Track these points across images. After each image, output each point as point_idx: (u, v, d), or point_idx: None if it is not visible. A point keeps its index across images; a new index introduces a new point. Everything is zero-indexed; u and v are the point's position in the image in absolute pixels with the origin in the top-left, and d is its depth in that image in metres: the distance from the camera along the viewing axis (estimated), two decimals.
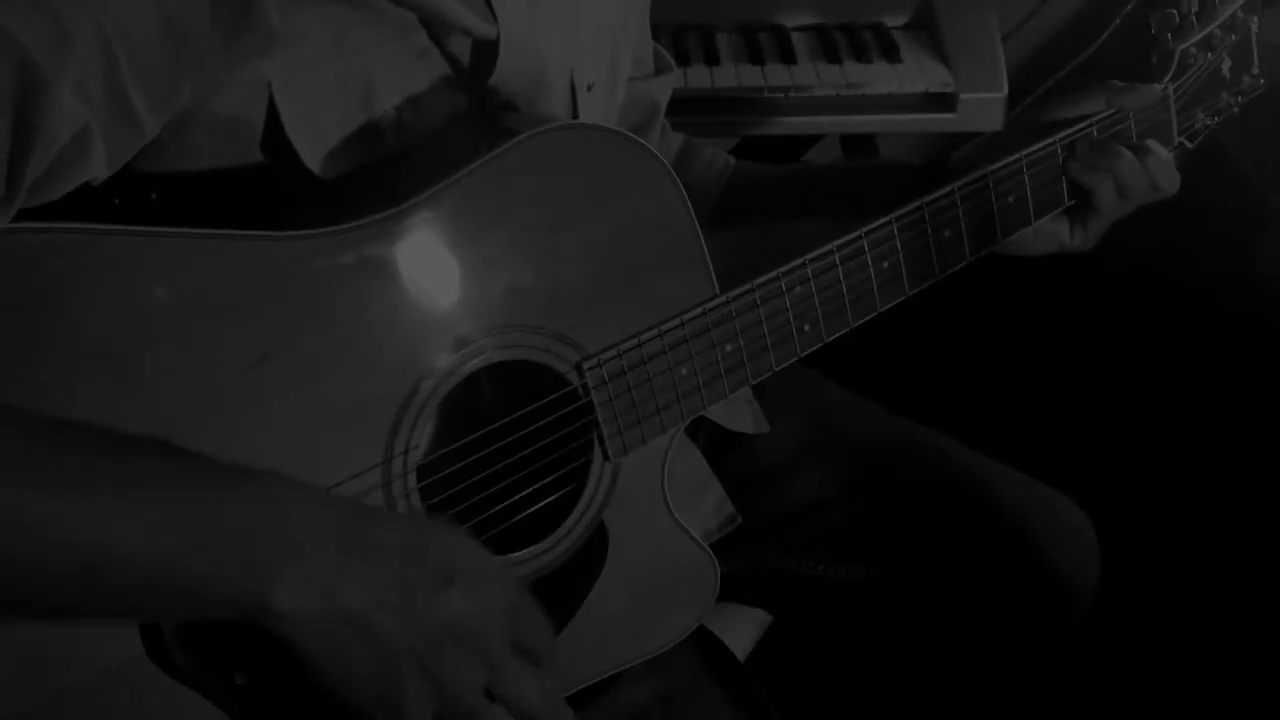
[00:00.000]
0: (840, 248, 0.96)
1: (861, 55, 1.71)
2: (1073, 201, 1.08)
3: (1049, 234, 1.10)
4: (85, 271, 0.72)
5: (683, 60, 1.70)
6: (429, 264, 0.82)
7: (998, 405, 2.11)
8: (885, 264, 0.99)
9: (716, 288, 0.93)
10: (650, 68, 1.21)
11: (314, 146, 0.84)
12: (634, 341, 0.90)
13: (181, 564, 0.70)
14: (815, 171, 1.26)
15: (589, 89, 1.00)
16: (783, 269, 0.94)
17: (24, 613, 0.72)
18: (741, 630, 1.40)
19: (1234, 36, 1.15)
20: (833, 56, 1.72)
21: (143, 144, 0.78)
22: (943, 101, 1.69)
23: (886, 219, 0.98)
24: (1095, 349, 2.25)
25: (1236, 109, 1.19)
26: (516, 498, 0.92)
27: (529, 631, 0.80)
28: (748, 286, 0.93)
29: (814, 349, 0.99)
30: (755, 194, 1.23)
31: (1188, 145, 1.15)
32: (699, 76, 1.68)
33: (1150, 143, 1.07)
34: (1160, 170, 1.06)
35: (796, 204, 1.20)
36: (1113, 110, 1.08)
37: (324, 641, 0.73)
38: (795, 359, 0.98)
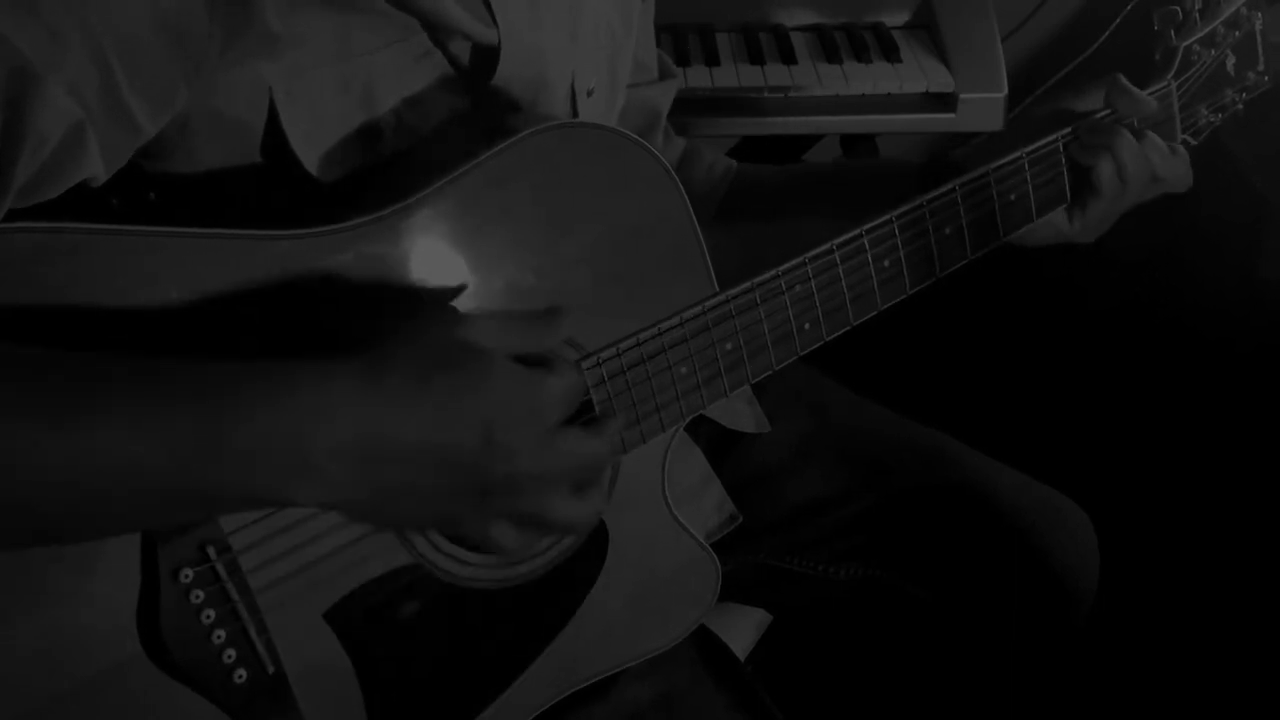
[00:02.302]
0: (840, 246, 0.96)
1: (861, 55, 1.71)
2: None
3: (1046, 221, 1.09)
4: (82, 271, 0.72)
5: (683, 60, 1.70)
6: (428, 262, 0.82)
7: (998, 405, 2.11)
8: (886, 262, 0.99)
9: (716, 286, 0.93)
10: (654, 74, 1.21)
11: (313, 149, 0.84)
12: (633, 340, 0.90)
13: (192, 479, 0.69)
14: (817, 173, 1.25)
15: (589, 94, 1.00)
16: (783, 267, 0.94)
17: (28, 535, 0.72)
18: (741, 630, 1.40)
19: (1237, 33, 1.14)
20: (833, 56, 1.72)
21: (139, 145, 0.78)
22: (943, 101, 1.69)
23: (887, 217, 0.98)
24: (1095, 349, 2.25)
25: (1240, 106, 1.19)
26: None
27: (573, 447, 0.80)
28: (747, 285, 0.93)
29: (814, 348, 0.99)
30: (757, 198, 1.23)
31: (1191, 142, 1.15)
32: (699, 76, 1.68)
33: (1151, 134, 1.07)
34: (1162, 161, 1.06)
35: (799, 208, 1.20)
36: (1107, 111, 1.07)
37: (360, 509, 0.76)
38: (795, 358, 0.98)
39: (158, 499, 0.71)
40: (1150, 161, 1.05)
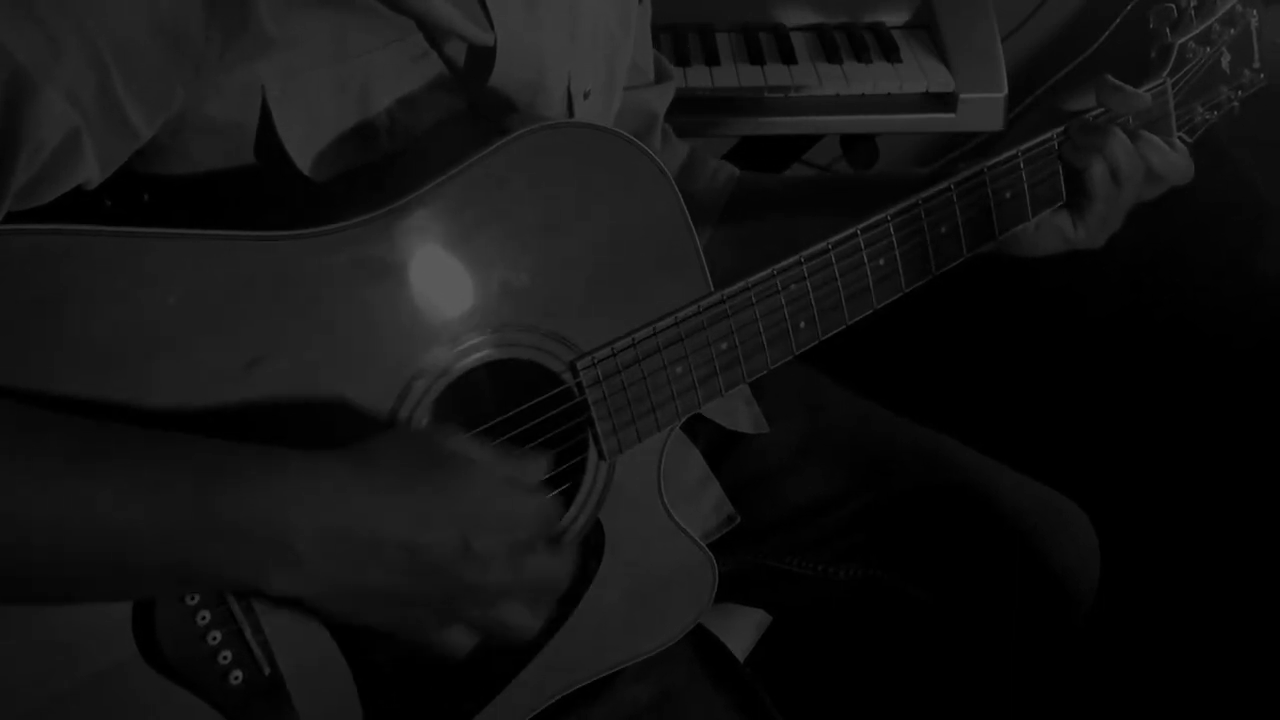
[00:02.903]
0: (836, 245, 0.96)
1: (861, 55, 1.71)
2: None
3: (1053, 229, 1.09)
4: (79, 273, 0.72)
5: (683, 60, 1.70)
6: (422, 262, 0.82)
7: (999, 405, 2.10)
8: (881, 261, 0.99)
9: (711, 285, 0.93)
10: (650, 76, 1.20)
11: (307, 149, 0.84)
12: (628, 340, 0.90)
13: (173, 557, 0.71)
14: (821, 183, 1.25)
15: (585, 97, 1.00)
16: (778, 266, 0.94)
17: (9, 595, 0.73)
18: (741, 630, 1.40)
19: (1233, 31, 1.14)
20: (833, 56, 1.72)
21: (135, 148, 0.78)
22: (943, 101, 1.69)
23: (882, 215, 0.98)
24: (1095, 347, 2.25)
25: (1236, 104, 1.18)
26: None
27: (538, 566, 0.82)
28: (743, 284, 0.93)
29: (810, 347, 0.99)
30: (760, 206, 1.22)
31: (1187, 140, 1.15)
32: (699, 76, 1.67)
33: (1146, 132, 1.06)
34: (1160, 159, 1.05)
35: (802, 215, 1.19)
36: (1100, 110, 1.07)
37: (330, 603, 0.76)
38: (791, 357, 0.98)
39: (138, 570, 0.72)
40: (1146, 160, 1.05)
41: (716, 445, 1.24)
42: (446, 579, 0.77)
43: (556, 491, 0.93)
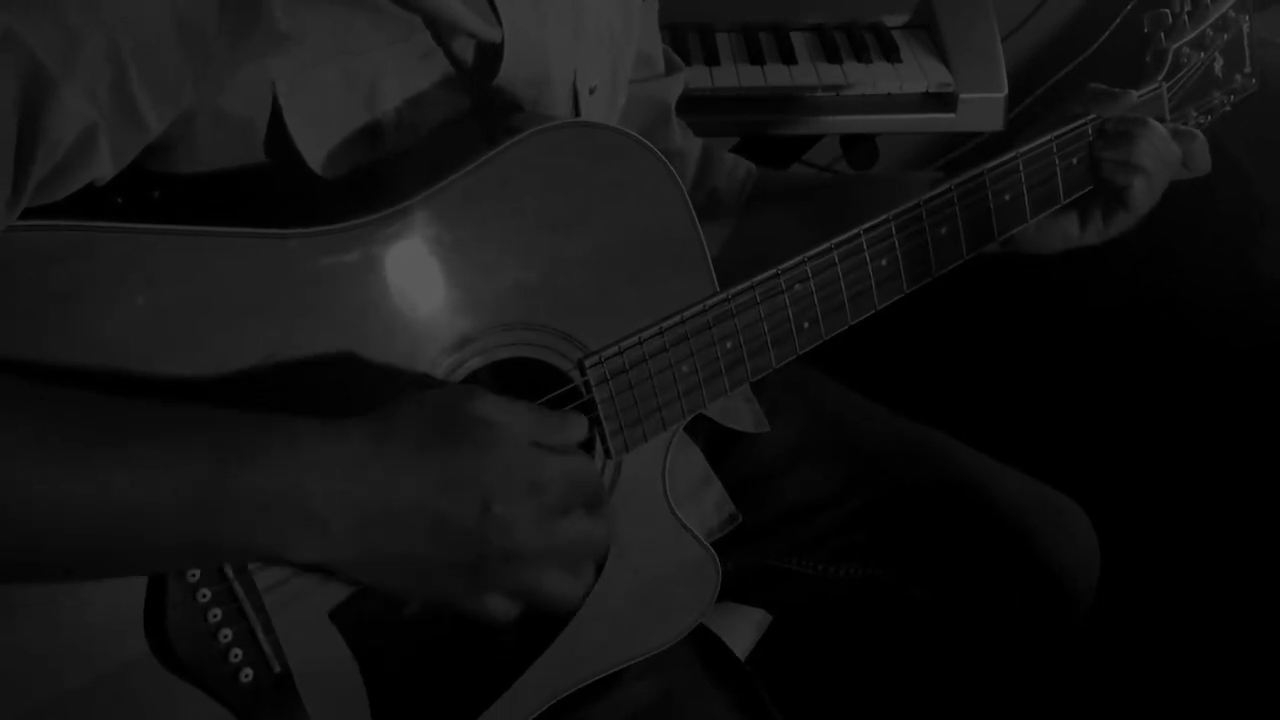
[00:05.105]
0: (839, 245, 0.97)
1: (861, 55, 1.71)
2: (1067, 200, 1.08)
3: (1059, 233, 1.10)
4: (91, 269, 0.72)
5: (682, 60, 1.70)
6: (432, 261, 0.82)
7: (999, 404, 2.11)
8: (883, 261, 0.99)
9: (717, 285, 0.93)
10: (661, 68, 1.21)
11: (316, 146, 0.85)
12: (635, 339, 0.90)
13: (193, 531, 0.71)
14: (842, 182, 1.25)
15: (591, 92, 1.00)
16: (782, 266, 0.95)
17: (33, 574, 0.73)
18: (741, 630, 1.40)
19: (1226, 36, 1.15)
20: (833, 56, 1.72)
21: (146, 143, 0.78)
22: (943, 101, 1.69)
23: (885, 217, 0.98)
24: (1095, 347, 2.25)
25: (1229, 108, 1.19)
26: None
27: (571, 529, 0.81)
28: (747, 284, 0.94)
29: (813, 346, 0.99)
30: (781, 204, 1.23)
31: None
32: (699, 76, 1.68)
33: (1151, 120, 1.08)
34: (1201, 154, 1.08)
35: (824, 214, 1.20)
36: (1092, 115, 1.08)
37: (356, 571, 0.76)
38: (794, 356, 0.98)
39: (161, 545, 0.72)
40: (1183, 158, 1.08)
41: (716, 444, 1.25)
42: (470, 545, 0.77)
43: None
